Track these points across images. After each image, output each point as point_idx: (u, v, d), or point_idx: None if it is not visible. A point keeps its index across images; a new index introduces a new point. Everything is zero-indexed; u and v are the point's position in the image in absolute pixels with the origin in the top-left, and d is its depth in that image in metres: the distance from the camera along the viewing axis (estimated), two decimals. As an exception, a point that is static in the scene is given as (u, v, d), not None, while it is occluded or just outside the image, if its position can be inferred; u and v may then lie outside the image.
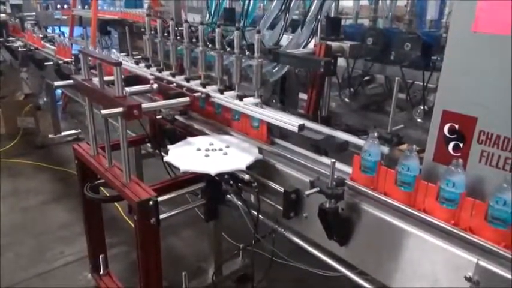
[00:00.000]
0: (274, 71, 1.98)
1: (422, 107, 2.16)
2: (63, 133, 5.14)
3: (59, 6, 5.92)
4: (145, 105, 1.77)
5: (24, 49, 4.22)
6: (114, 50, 3.01)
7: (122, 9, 6.04)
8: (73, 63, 3.18)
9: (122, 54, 2.93)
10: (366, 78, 2.50)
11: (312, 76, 2.08)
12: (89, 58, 2.00)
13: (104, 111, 1.56)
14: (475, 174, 1.21)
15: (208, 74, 2.13)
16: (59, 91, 5.72)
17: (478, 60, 1.16)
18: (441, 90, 1.28)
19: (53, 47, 3.76)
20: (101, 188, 2.11)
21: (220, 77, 1.98)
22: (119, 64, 1.61)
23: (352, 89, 2.51)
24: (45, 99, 4.83)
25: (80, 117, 5.74)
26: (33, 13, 5.52)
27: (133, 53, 2.96)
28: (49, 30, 5.67)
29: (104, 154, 1.95)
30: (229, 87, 2.04)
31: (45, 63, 3.71)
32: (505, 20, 1.09)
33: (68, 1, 6.90)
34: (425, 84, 2.11)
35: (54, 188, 4.02)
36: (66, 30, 5.88)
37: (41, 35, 4.25)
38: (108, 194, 2.31)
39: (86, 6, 6.11)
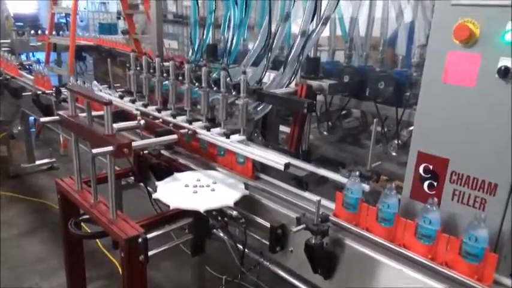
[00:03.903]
0: (258, 109, 2.06)
1: (396, 142, 2.29)
2: (37, 162, 5.03)
3: (32, 31, 5.89)
4: (135, 143, 1.80)
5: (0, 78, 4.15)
6: (95, 82, 3.00)
7: (97, 35, 6.10)
8: (54, 94, 3.16)
9: (103, 86, 2.92)
10: (343, 112, 2.63)
11: (295, 115, 2.19)
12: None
13: (95, 151, 1.58)
14: (448, 211, 1.31)
15: (193, 108, 2.18)
16: (31, 117, 5.61)
17: (448, 108, 1.28)
18: (416, 133, 1.40)
19: (30, 76, 3.73)
20: (81, 223, 2.10)
21: (206, 115, 2.04)
22: (109, 103, 1.65)
23: (330, 123, 2.63)
24: (19, 127, 4.73)
25: (54, 144, 5.63)
26: (8, 40, 5.47)
27: (116, 84, 2.97)
28: (23, 56, 5.62)
29: (89, 189, 1.96)
30: (213, 120, 2.10)
31: (23, 93, 3.67)
32: (470, 74, 1.22)
33: (41, 27, 6.90)
34: (398, 120, 2.25)
35: (29, 220, 3.91)
36: (40, 55, 5.84)
37: (16, 63, 4.20)
38: (88, 230, 2.29)
39: (60, 33, 6.15)
